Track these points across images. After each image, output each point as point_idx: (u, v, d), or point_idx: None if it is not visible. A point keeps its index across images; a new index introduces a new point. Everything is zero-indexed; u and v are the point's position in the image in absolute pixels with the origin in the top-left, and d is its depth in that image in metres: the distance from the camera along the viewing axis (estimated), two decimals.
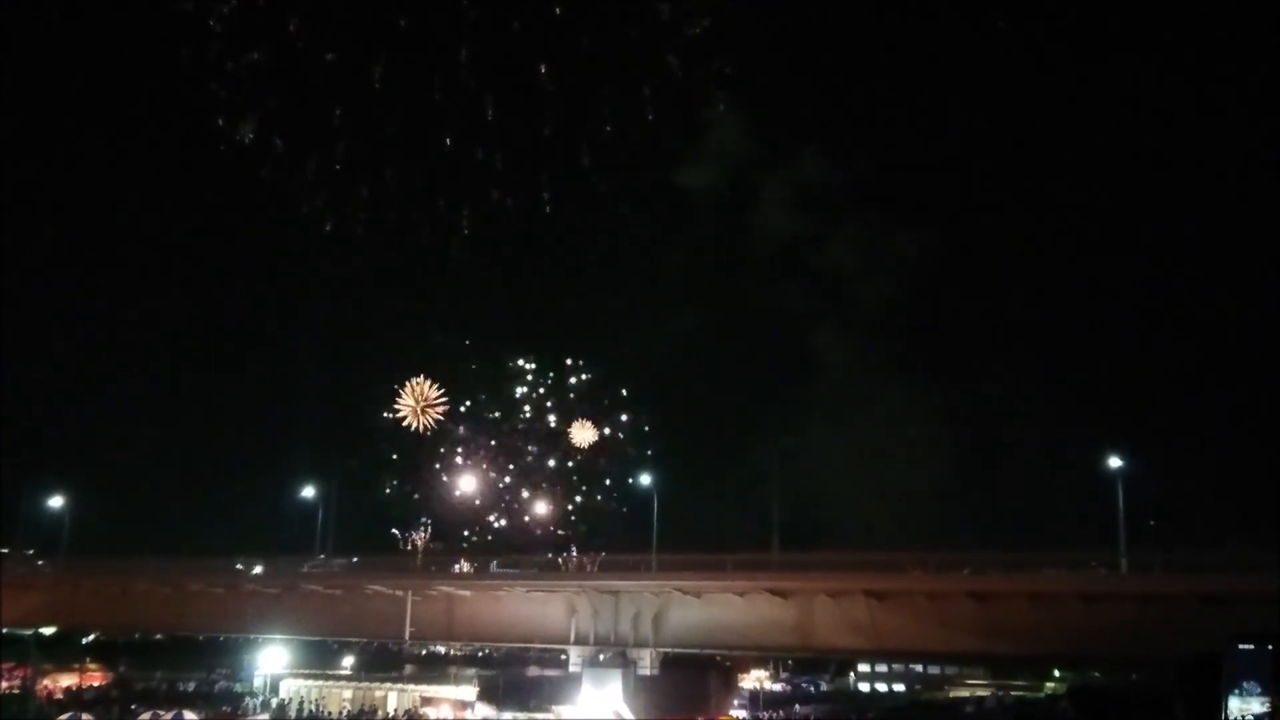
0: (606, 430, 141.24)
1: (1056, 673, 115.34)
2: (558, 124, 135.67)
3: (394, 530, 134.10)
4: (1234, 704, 54.56)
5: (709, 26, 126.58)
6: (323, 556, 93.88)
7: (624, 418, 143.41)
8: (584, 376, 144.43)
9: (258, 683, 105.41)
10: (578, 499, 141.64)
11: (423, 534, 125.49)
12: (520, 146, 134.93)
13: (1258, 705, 54.09)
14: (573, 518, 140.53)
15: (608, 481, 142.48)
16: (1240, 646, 54.98)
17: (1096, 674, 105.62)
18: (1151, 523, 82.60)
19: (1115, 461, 69.73)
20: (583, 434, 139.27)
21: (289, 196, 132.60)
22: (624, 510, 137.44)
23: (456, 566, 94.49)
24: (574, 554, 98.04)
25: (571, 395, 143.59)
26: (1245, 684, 54.55)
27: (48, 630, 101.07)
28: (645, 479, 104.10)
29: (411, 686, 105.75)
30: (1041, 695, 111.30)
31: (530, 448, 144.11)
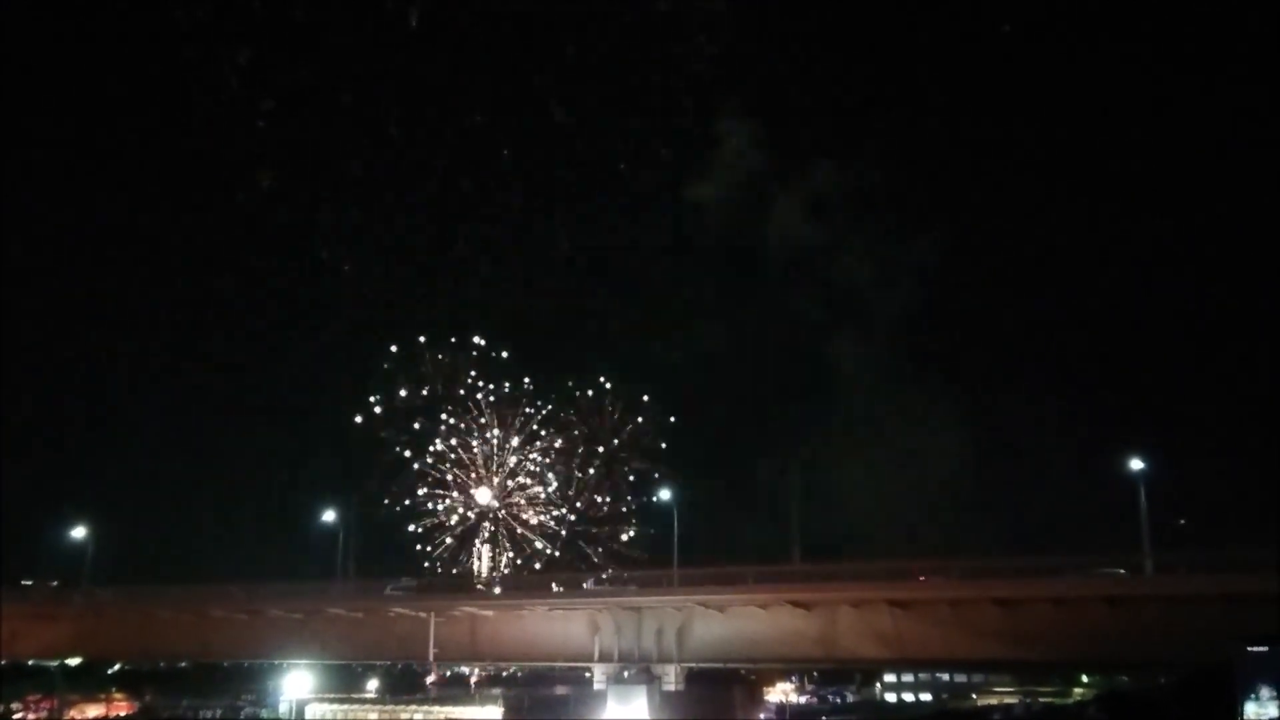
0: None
1: (1084, 678, 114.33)
2: (571, 158, 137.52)
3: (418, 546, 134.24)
4: (1250, 709, 53.75)
5: (720, 55, 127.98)
6: (405, 579, 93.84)
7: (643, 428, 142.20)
8: (607, 385, 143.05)
9: (283, 708, 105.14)
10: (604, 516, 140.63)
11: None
12: (537, 180, 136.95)
13: (1274, 709, 53.29)
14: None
15: (629, 497, 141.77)
16: (1251, 650, 54.17)
17: (1125, 678, 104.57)
18: (1182, 520, 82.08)
19: (1137, 463, 69.24)
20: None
21: (306, 238, 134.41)
22: (640, 522, 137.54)
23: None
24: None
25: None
26: (1260, 688, 53.78)
27: (73, 661, 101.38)
28: (665, 493, 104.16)
29: (437, 708, 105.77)
30: (1070, 701, 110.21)
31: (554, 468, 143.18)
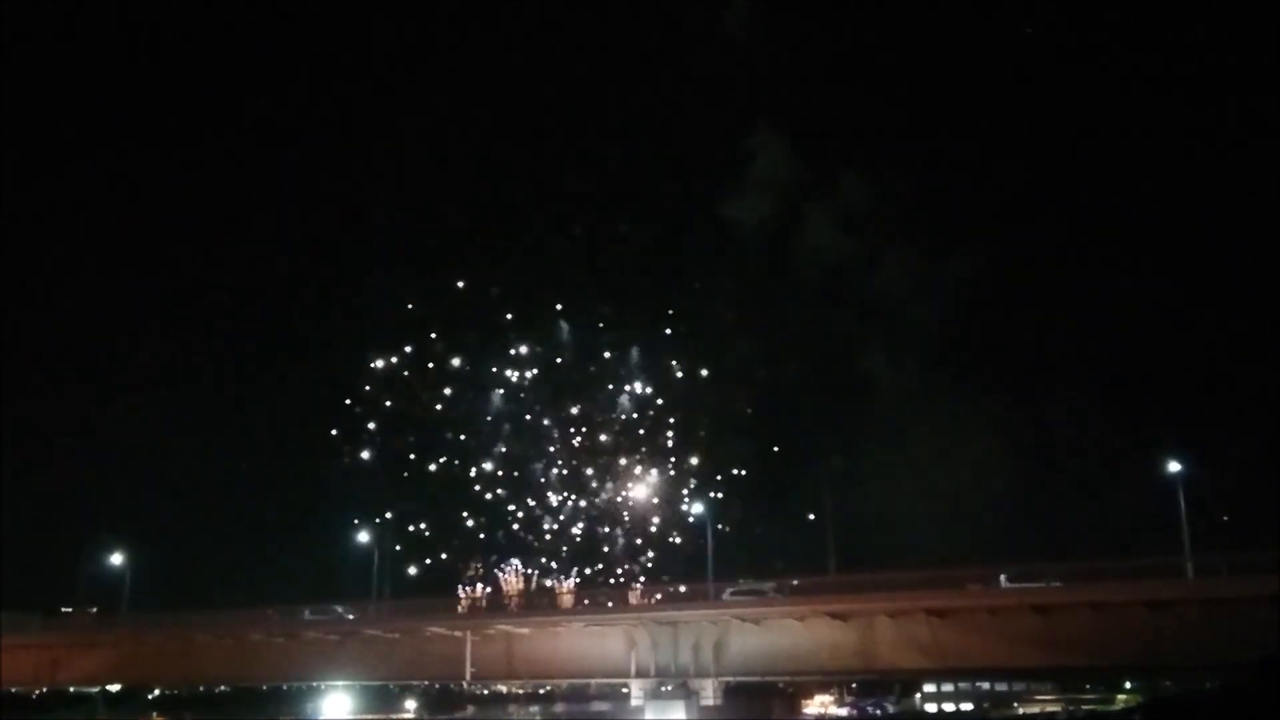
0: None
1: (1127, 684, 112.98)
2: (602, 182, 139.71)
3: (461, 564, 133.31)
4: None
5: (753, 72, 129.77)
6: (741, 582, 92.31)
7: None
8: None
9: None
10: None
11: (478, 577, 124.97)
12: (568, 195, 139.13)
13: None
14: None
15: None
16: None
17: (1168, 683, 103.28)
18: (1225, 517, 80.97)
19: (1174, 465, 68.56)
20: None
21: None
22: (678, 539, 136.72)
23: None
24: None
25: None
26: None
27: (114, 687, 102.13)
28: (699, 508, 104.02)
29: None
30: (1114, 708, 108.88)
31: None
